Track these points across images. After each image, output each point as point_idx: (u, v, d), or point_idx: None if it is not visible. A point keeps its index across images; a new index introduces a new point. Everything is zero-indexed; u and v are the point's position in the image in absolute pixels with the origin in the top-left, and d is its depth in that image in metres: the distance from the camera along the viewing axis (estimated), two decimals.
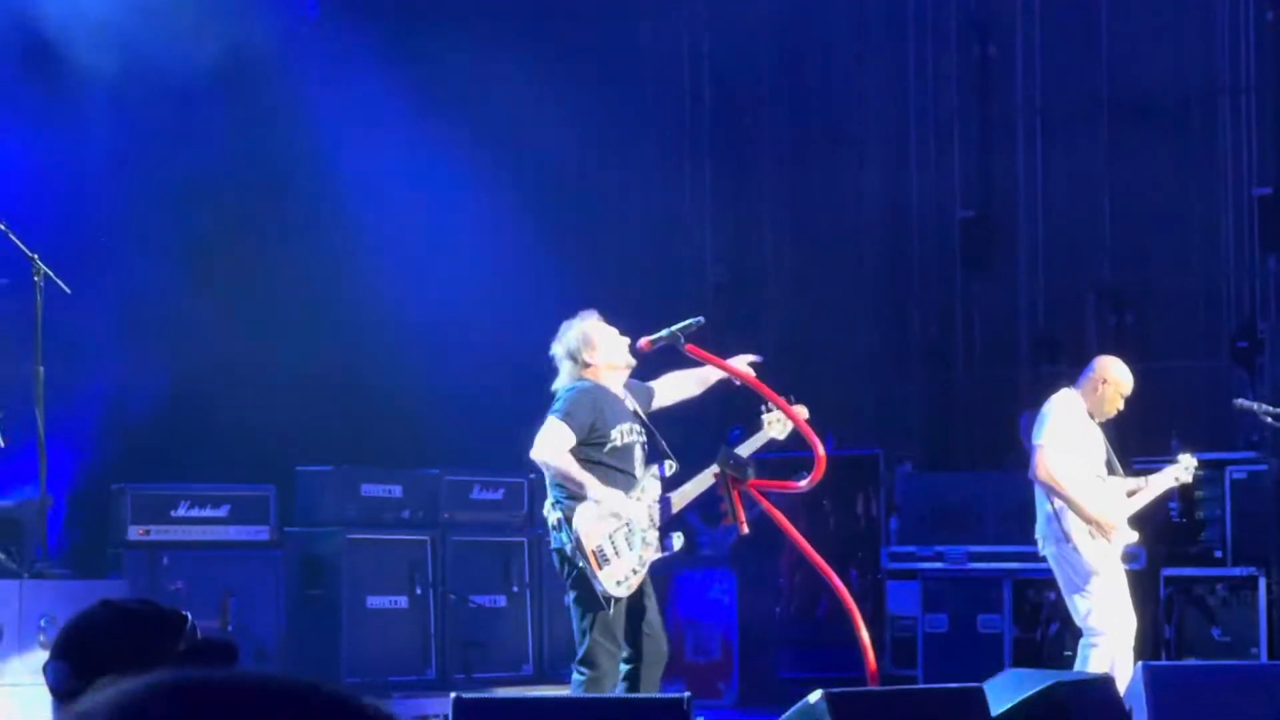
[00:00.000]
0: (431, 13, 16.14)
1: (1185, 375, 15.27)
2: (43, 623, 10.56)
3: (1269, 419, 11.55)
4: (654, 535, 9.31)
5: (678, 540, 9.45)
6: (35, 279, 11.32)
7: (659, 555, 9.37)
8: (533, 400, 9.66)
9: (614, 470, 9.28)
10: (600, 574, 9.08)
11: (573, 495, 9.12)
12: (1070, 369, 12.39)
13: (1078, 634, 11.41)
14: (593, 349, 9.38)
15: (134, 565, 12.33)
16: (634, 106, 17.02)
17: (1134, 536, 10.99)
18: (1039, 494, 10.97)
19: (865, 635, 9.88)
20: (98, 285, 12.60)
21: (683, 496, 9.51)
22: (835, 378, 16.15)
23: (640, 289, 15.61)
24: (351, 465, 13.41)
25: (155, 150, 13.94)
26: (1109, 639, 10.74)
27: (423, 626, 13.16)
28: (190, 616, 3.94)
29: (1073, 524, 10.81)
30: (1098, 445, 11.00)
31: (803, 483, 9.85)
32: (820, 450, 9.53)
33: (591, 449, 9.23)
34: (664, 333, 9.30)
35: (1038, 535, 11.03)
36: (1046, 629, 13.39)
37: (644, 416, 9.55)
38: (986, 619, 13.69)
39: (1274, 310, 15.20)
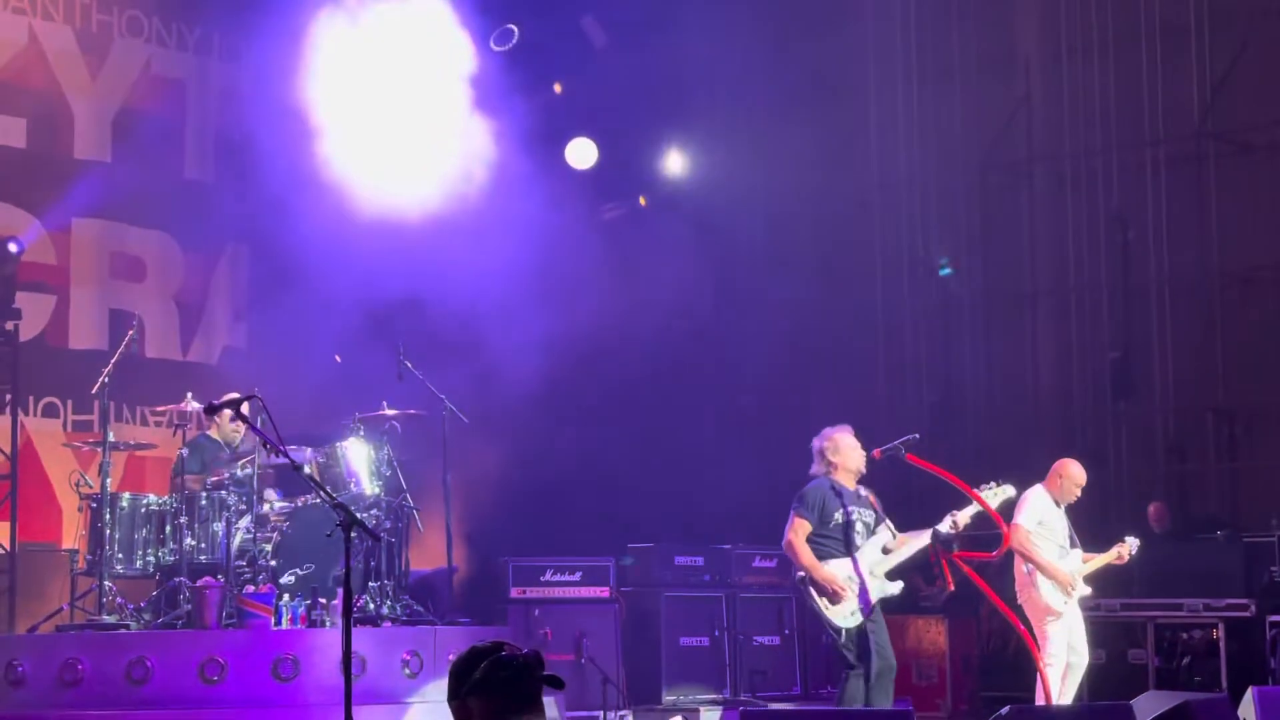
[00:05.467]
0: None
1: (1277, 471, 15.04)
2: (451, 657, 10.15)
3: None
4: (875, 582, 9.45)
5: (896, 587, 9.54)
6: (444, 413, 11.86)
7: (884, 596, 9.49)
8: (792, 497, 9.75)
9: (833, 540, 9.51)
10: (830, 611, 9.41)
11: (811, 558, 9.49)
12: (1196, 468, 12.25)
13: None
14: (838, 453, 9.71)
15: (514, 616, 12.54)
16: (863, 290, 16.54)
17: (1087, 590, 10.91)
18: (1015, 558, 10.85)
19: (1043, 666, 10.24)
20: (491, 417, 12.93)
21: (902, 548, 9.60)
22: (1017, 476, 15.15)
23: (877, 408, 15.33)
24: (667, 543, 13.44)
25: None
26: (1057, 665, 10.61)
27: (720, 659, 13.09)
28: (540, 651, 4.18)
29: (1039, 580, 10.73)
30: (1061, 523, 10.97)
31: (994, 552, 10.14)
32: (1004, 527, 9.87)
33: (820, 526, 9.52)
34: (891, 445, 9.53)
35: (1017, 588, 10.91)
36: (1181, 660, 12.92)
37: (872, 501, 9.74)
38: (1135, 653, 13.22)
39: None
